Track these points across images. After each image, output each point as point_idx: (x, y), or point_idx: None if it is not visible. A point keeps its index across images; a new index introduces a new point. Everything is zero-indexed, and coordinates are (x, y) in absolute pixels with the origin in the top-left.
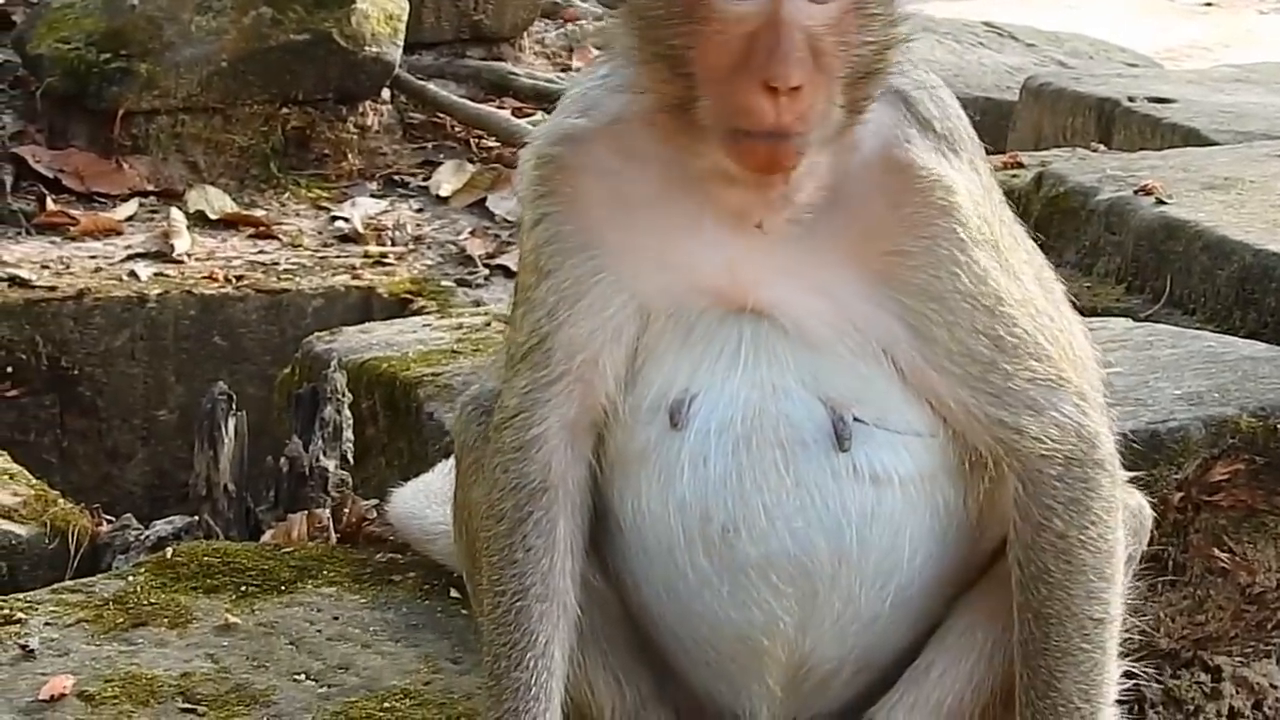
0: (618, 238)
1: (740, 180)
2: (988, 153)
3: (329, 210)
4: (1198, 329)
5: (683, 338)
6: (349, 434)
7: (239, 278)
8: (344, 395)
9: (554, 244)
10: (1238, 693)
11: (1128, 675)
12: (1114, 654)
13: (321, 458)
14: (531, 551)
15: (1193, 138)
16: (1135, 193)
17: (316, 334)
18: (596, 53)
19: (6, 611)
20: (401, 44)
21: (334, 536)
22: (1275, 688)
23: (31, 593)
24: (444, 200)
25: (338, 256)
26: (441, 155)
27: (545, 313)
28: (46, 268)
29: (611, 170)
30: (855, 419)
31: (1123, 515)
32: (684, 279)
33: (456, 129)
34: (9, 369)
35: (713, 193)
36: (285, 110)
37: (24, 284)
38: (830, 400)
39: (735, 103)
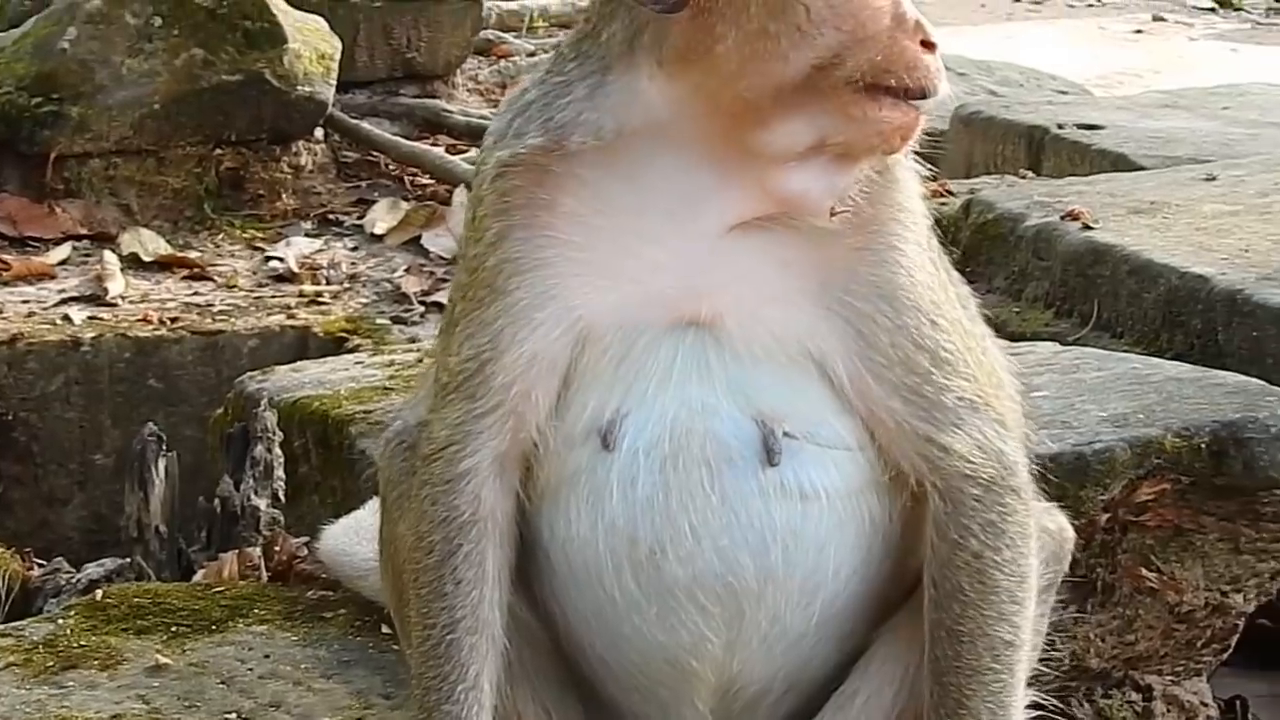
0: (576, 254)
1: (846, 142)
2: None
3: (263, 250)
4: (1125, 351)
5: (620, 357)
6: (280, 472)
7: (174, 320)
8: (275, 434)
9: (517, 259)
10: (1169, 711)
11: (1036, 705)
12: (1022, 679)
13: (253, 497)
14: (461, 584)
15: (1121, 163)
16: (1062, 218)
17: (249, 374)
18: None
19: None
20: (334, 83)
21: (265, 575)
22: (1206, 706)
23: None
24: (379, 238)
25: (273, 296)
26: (376, 193)
27: (489, 339)
28: None
29: (582, 184)
30: (785, 434)
31: (1040, 541)
32: (638, 292)
33: (390, 167)
34: None
35: (771, 180)
36: (218, 151)
37: None
38: (761, 415)
39: (899, 58)
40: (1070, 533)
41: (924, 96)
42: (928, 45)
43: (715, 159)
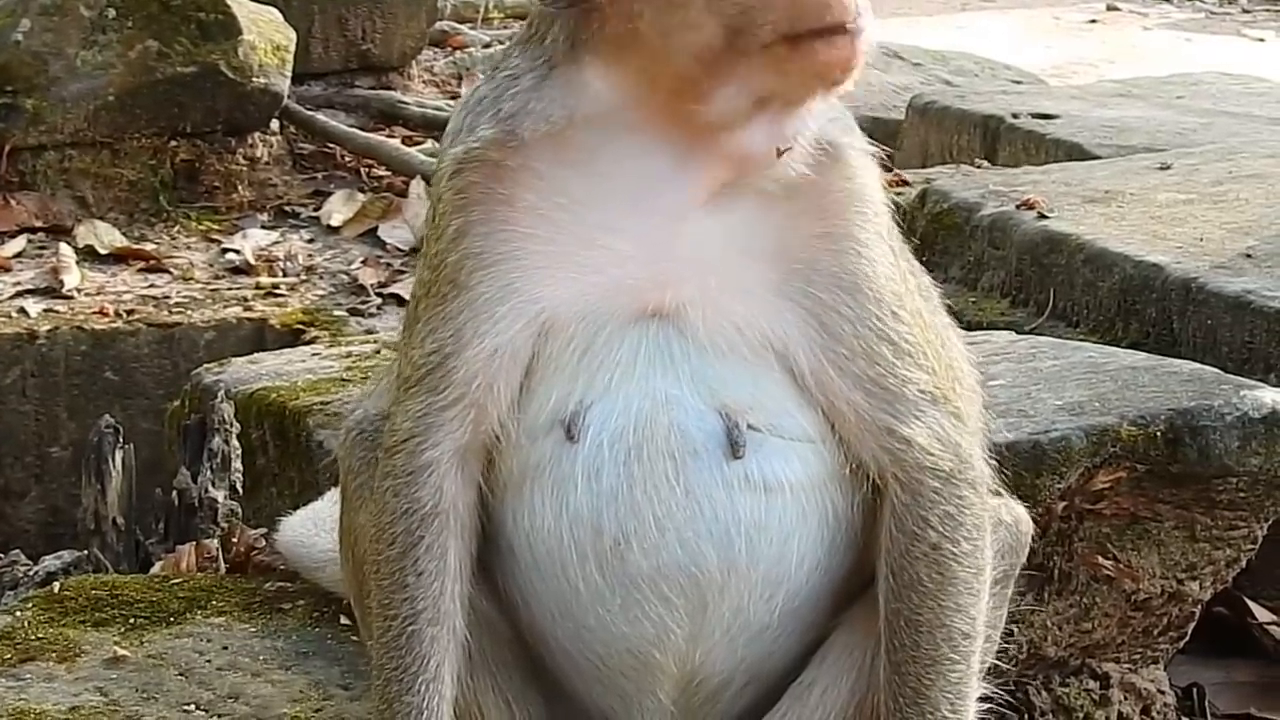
0: (538, 248)
1: (785, 94)
2: None
3: (220, 242)
4: (1081, 340)
5: (584, 348)
6: (238, 464)
7: (130, 312)
8: (231, 426)
9: (478, 255)
10: (1126, 699)
11: (992, 694)
12: (977, 668)
13: (210, 488)
14: (423, 576)
15: (1075, 152)
16: (1018, 207)
17: (205, 366)
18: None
19: None
20: (290, 75)
21: (223, 566)
22: (1163, 693)
23: None
24: (335, 230)
25: (229, 289)
26: (332, 185)
27: (451, 333)
28: None
29: (539, 177)
30: (749, 426)
31: (996, 534)
32: (600, 282)
33: (346, 159)
34: None
35: (721, 140)
36: (174, 143)
37: None
38: (725, 407)
39: (807, 2)
40: (1028, 524)
41: (845, 31)
42: None
43: (665, 139)
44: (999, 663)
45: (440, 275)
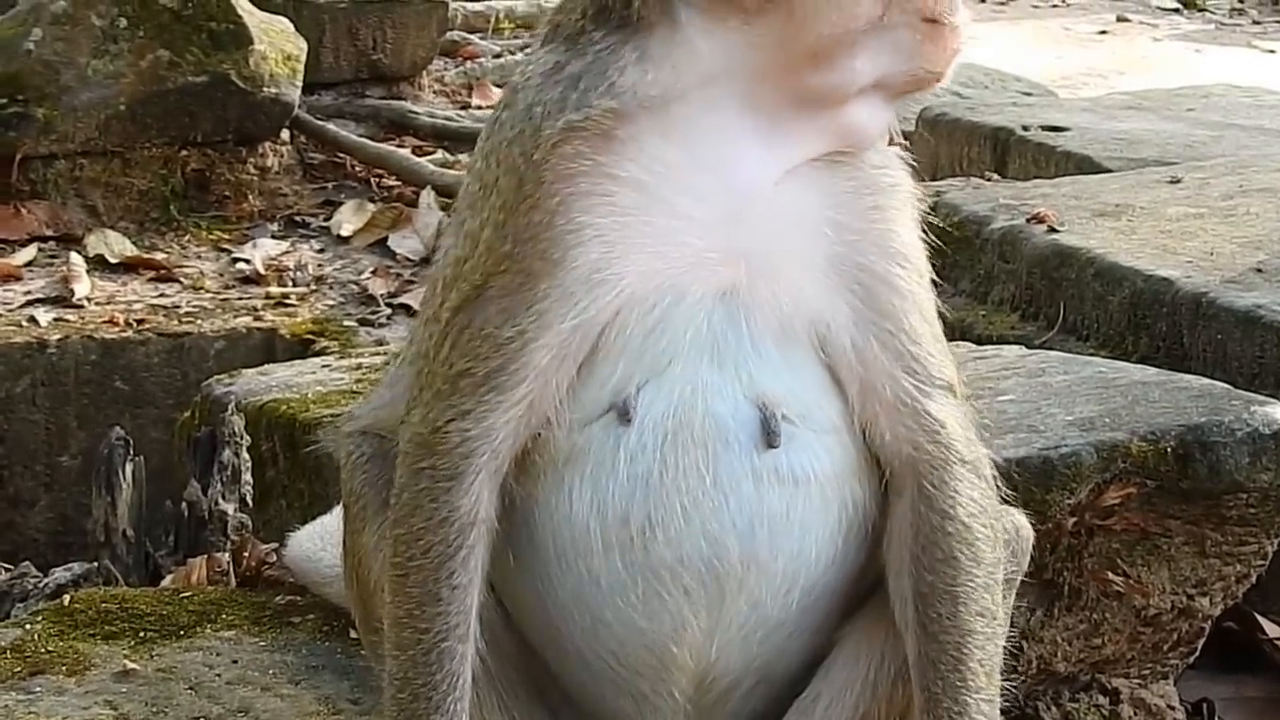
0: (631, 220)
1: (905, 73)
2: None
3: (230, 252)
4: (1090, 355)
5: (653, 326)
6: (248, 477)
7: (140, 321)
8: (242, 438)
9: (574, 232)
10: (1136, 714)
11: (1012, 703)
12: (1000, 653)
13: (220, 501)
14: (458, 590)
15: (1086, 165)
16: (1028, 221)
17: (215, 377)
18: (497, 90)
19: None
20: (300, 84)
21: (233, 580)
22: (1173, 709)
23: None
24: (345, 240)
25: (239, 298)
26: (342, 195)
27: (534, 317)
28: None
29: (642, 148)
30: (784, 417)
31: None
32: (683, 255)
33: (357, 168)
34: None
35: (826, 115)
36: (184, 153)
37: None
38: (761, 397)
39: None
40: (1028, 532)
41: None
42: None
43: (771, 105)
44: (1007, 678)
45: (527, 250)
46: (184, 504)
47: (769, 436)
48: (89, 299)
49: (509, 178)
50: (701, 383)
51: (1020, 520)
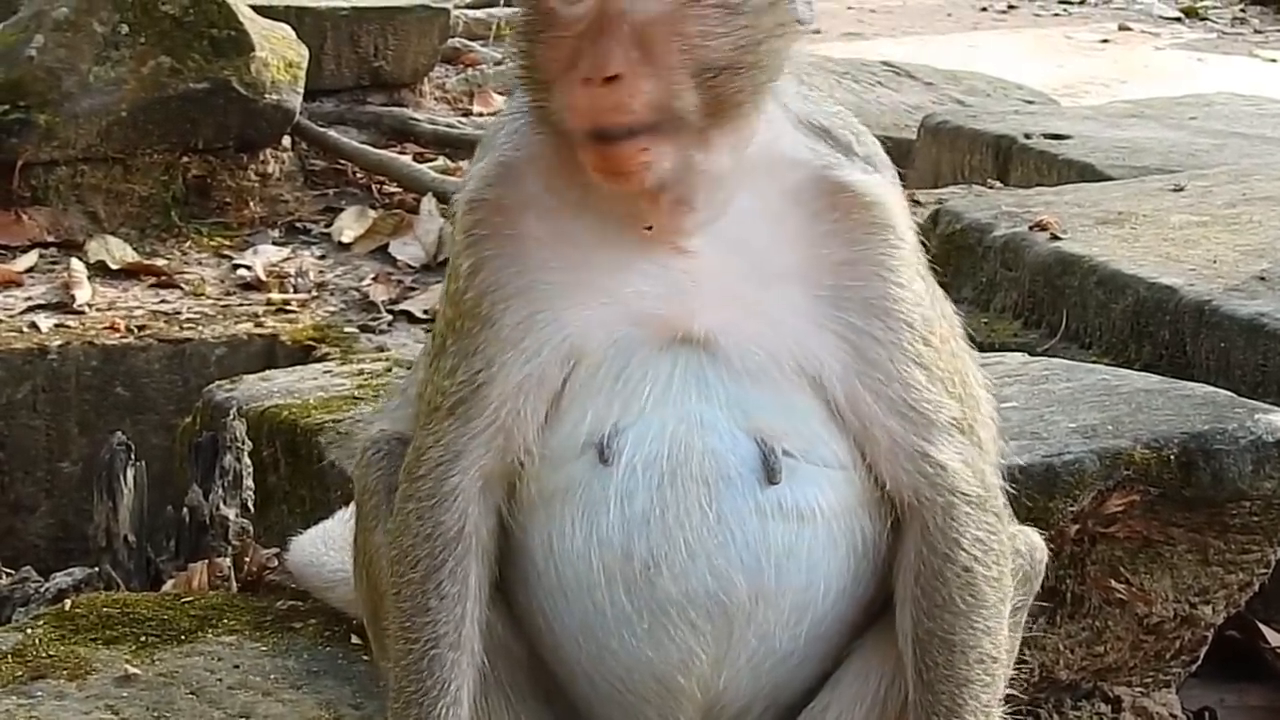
0: (558, 276)
1: (606, 187)
2: None
3: (231, 258)
4: (1093, 362)
5: (616, 373)
6: (249, 482)
7: (141, 328)
8: (243, 443)
9: (495, 290)
10: None
11: (1014, 711)
12: (1001, 693)
13: (222, 506)
14: (445, 600)
15: (1088, 173)
16: (1030, 228)
17: (217, 383)
18: (498, 97)
19: None
20: (302, 91)
21: (235, 585)
22: (1175, 717)
23: None
24: (346, 246)
25: (240, 305)
26: (343, 201)
27: (480, 365)
28: None
29: (548, 206)
30: (784, 452)
31: (1014, 564)
32: (624, 310)
33: (358, 175)
34: None
35: (604, 206)
36: (185, 159)
37: None
38: (760, 433)
39: (565, 102)
40: (1043, 552)
41: (610, 139)
42: (587, 83)
43: None
44: (1011, 686)
45: (462, 311)
46: (185, 509)
47: (770, 472)
48: (90, 305)
49: (450, 246)
50: (697, 421)
51: (1035, 540)
